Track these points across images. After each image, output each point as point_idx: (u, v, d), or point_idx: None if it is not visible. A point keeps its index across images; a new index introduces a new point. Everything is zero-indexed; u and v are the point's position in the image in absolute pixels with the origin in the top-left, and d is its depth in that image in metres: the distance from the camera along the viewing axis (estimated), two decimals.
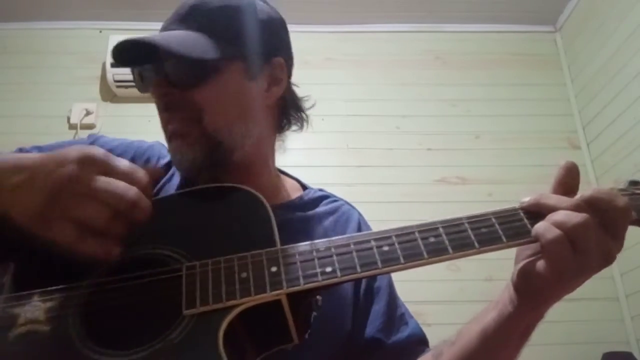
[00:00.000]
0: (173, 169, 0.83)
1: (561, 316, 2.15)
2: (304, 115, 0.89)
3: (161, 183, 0.81)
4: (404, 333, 0.79)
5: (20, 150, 0.80)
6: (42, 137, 2.25)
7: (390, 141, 2.55)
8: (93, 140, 0.84)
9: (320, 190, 0.91)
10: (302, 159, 2.40)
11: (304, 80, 0.89)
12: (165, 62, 0.73)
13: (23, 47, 2.70)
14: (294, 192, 0.88)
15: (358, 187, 2.40)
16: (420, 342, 0.79)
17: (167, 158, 0.85)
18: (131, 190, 0.57)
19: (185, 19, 0.76)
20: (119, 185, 0.56)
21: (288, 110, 0.87)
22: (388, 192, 2.41)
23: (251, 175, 0.80)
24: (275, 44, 0.83)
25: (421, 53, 2.75)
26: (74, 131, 2.48)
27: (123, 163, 0.59)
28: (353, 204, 0.92)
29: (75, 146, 0.59)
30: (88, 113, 2.52)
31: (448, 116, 2.61)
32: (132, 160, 0.81)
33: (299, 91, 0.89)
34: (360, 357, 0.77)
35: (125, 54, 0.74)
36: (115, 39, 2.56)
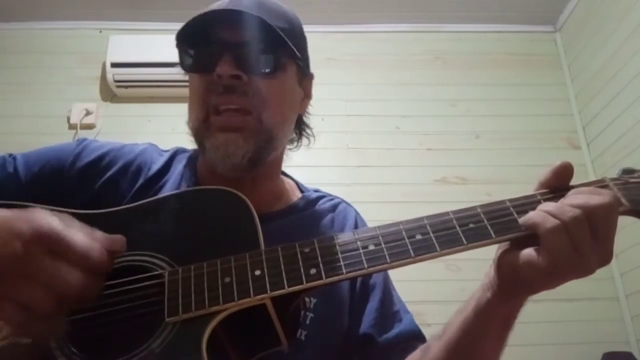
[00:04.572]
0: (169, 173, 0.81)
1: (561, 316, 2.15)
2: (311, 132, 0.92)
3: (155, 189, 0.78)
4: (395, 330, 0.79)
5: (4, 160, 0.76)
6: (42, 137, 2.25)
7: (390, 141, 2.54)
8: (83, 147, 0.80)
9: (316, 191, 0.92)
10: (302, 158, 2.36)
11: None
12: (248, 43, 0.71)
13: (23, 47, 2.70)
14: (294, 194, 0.89)
15: (358, 187, 2.40)
16: (414, 338, 0.79)
17: (160, 162, 0.83)
18: (78, 279, 0.53)
19: (251, 8, 0.73)
20: (66, 272, 0.52)
21: (302, 126, 0.90)
22: (388, 192, 2.40)
23: (265, 178, 0.81)
24: (309, 61, 0.85)
25: (421, 53, 2.74)
26: (74, 131, 2.48)
27: (77, 241, 0.53)
28: (353, 204, 0.93)
29: (28, 215, 0.52)
30: (88, 113, 2.52)
31: (448, 116, 2.61)
32: (124, 167, 0.79)
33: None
34: (352, 353, 0.77)
35: (197, 27, 0.71)
36: (115, 39, 2.57)
